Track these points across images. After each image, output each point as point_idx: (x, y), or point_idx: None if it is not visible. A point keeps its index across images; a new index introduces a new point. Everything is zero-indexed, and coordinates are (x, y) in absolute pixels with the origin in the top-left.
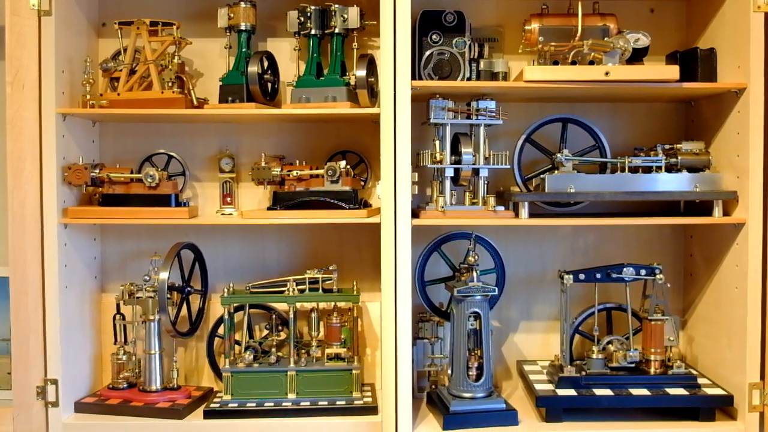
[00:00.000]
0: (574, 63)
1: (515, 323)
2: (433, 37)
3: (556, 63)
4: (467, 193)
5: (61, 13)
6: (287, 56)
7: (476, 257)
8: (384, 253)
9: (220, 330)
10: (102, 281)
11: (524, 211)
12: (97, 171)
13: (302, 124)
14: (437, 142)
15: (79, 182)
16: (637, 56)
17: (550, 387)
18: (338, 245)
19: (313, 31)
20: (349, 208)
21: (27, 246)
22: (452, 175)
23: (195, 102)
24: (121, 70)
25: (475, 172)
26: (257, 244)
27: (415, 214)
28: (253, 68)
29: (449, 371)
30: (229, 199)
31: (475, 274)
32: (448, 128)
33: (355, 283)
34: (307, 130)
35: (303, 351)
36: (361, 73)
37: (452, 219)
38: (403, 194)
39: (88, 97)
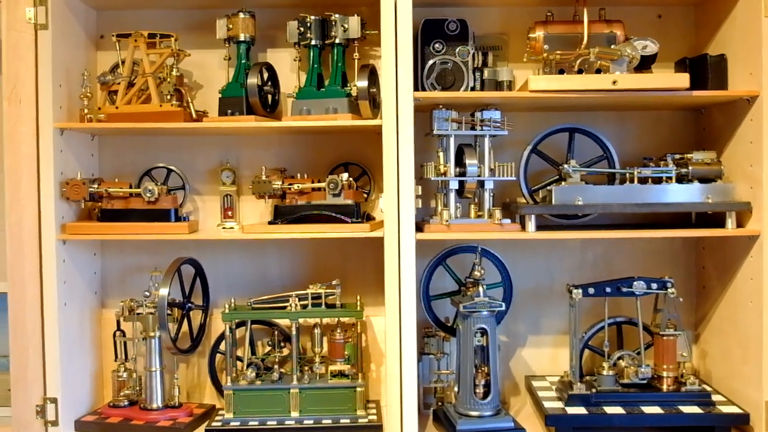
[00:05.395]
0: (580, 71)
1: (523, 337)
2: (436, 46)
3: (562, 71)
4: (472, 206)
5: (58, 26)
6: (287, 67)
7: (482, 271)
8: (387, 268)
9: (222, 346)
10: (102, 297)
11: (531, 224)
12: (96, 186)
13: (303, 136)
14: (441, 154)
15: (78, 197)
16: (645, 63)
17: (559, 405)
18: (341, 259)
19: (313, 42)
20: (352, 222)
21: (25, 262)
22: (457, 187)
23: (194, 115)
24: (119, 83)
25: (480, 184)
26: (258, 258)
27: (419, 228)
28: (253, 80)
29: (456, 388)
30: (230, 212)
31: (481, 288)
32: (452, 139)
33: (358, 297)
34: (309, 142)
35: (306, 367)
36: (363, 83)
37: (457, 233)
38: (406, 208)
39: (86, 111)
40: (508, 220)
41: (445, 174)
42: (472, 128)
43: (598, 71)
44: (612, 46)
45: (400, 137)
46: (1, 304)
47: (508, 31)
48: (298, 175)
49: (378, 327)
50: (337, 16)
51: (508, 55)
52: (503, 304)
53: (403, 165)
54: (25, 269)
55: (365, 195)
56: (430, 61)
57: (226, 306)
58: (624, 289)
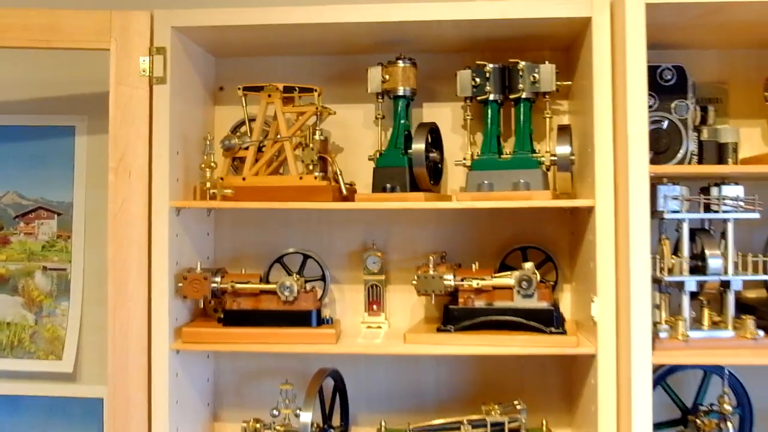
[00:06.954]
0: None
1: None
2: None
3: None
4: (705, 310)
5: (176, 79)
6: (448, 126)
7: (731, 403)
8: (602, 394)
9: None
10: (214, 407)
11: None
12: (219, 280)
13: (471, 212)
14: (666, 243)
15: (197, 296)
16: None
17: None
18: (514, 369)
19: (492, 96)
20: (550, 333)
21: (131, 378)
22: (694, 288)
23: (344, 191)
24: (246, 149)
25: (724, 283)
26: (408, 365)
27: None
28: (420, 146)
29: None
30: (375, 306)
31: (730, 425)
32: (685, 225)
33: (544, 422)
34: (475, 219)
35: None
36: (564, 150)
37: (700, 351)
38: (639, 322)
39: (209, 184)
40: (762, 332)
41: (672, 270)
42: (707, 209)
43: None
44: None
45: (629, 225)
46: (90, 409)
47: (729, 80)
48: (474, 266)
49: None
50: (524, 63)
51: (729, 110)
52: None
53: (635, 264)
54: (130, 386)
55: (552, 286)
56: None
57: None
58: None
